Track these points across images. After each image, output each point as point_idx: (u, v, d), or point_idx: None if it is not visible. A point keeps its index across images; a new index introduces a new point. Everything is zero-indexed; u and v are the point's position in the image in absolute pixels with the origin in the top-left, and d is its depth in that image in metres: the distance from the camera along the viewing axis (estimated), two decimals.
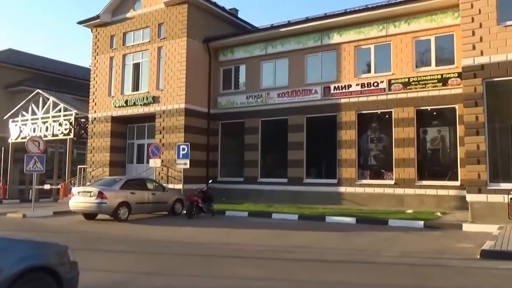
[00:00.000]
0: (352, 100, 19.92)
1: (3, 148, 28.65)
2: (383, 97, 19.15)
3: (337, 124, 20.15)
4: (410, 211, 16.62)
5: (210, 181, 20.05)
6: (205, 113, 23.54)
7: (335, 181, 19.99)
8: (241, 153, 22.96)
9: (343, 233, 12.77)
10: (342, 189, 19.73)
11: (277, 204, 19.52)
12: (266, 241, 11.65)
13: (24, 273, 4.57)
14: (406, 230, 13.25)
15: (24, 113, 29.00)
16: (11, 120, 29.52)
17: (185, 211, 17.50)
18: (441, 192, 17.42)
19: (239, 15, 27.31)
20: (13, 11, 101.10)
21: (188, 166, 20.24)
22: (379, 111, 19.43)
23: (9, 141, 29.39)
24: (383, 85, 19.16)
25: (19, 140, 28.51)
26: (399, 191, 18.32)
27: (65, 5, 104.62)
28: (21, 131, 28.78)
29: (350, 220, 15.28)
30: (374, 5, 19.57)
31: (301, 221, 15.86)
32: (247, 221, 15.85)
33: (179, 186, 20.94)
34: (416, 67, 18.74)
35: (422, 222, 13.98)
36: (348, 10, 20.37)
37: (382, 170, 19.22)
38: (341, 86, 20.24)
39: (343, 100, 20.13)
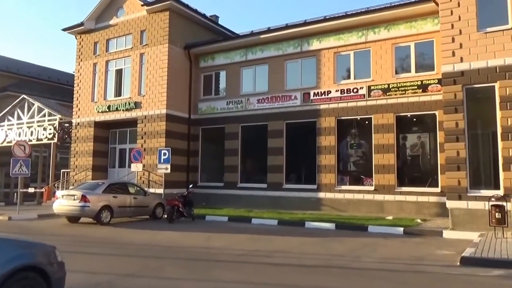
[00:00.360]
0: (331, 106, 18.79)
1: None
2: (363, 103, 18.03)
3: (317, 130, 19.01)
4: (390, 217, 15.58)
5: (190, 186, 19.05)
6: (186, 119, 22.45)
7: (314, 186, 18.82)
8: (221, 158, 21.78)
9: (322, 239, 12.03)
10: (321, 194, 18.55)
11: (256, 209, 18.47)
12: (245, 245, 11.00)
13: (14, 273, 4.54)
14: (385, 236, 12.41)
15: (10, 117, 27.82)
16: None
17: (166, 215, 16.63)
18: (421, 198, 16.32)
19: (220, 22, 26.29)
20: (1, 16, 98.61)
21: (169, 170, 19.33)
22: (358, 117, 18.30)
23: None
24: (363, 91, 18.04)
25: (4, 144, 27.37)
26: (378, 197, 17.19)
27: (51, 12, 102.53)
28: (6, 136, 27.62)
29: (330, 225, 14.30)
30: (354, 12, 18.55)
31: (280, 226, 14.97)
32: (226, 226, 15.12)
33: (160, 191, 19.85)
34: (396, 73, 17.66)
35: (402, 229, 13.04)
36: (327, 17, 19.32)
37: (362, 176, 18.07)
38: (321, 92, 19.10)
39: (322, 106, 18.99)
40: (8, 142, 26.66)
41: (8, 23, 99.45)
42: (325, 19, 19.20)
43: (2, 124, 27.96)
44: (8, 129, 27.51)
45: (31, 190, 24.77)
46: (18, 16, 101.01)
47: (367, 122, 18.05)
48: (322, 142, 18.79)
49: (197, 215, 16.91)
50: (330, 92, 18.84)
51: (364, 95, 17.99)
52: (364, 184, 17.82)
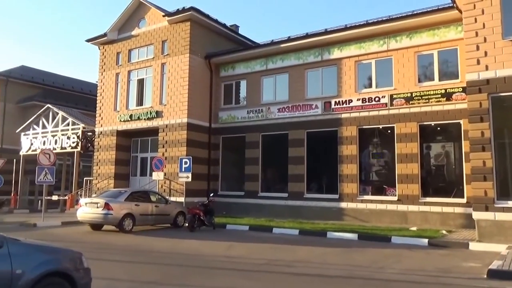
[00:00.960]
0: (353, 115, 18.56)
1: (15, 160, 27.88)
2: (385, 112, 17.75)
3: (338, 139, 18.79)
4: (413, 228, 15.20)
5: (211, 194, 18.98)
6: (206, 128, 22.48)
7: (336, 196, 18.56)
8: (241, 167, 21.68)
9: (345, 249, 11.81)
10: (343, 204, 18.27)
11: (277, 219, 18.26)
12: (266, 255, 10.92)
13: (42, 278, 4.62)
14: (409, 247, 12.10)
15: (35, 126, 28.38)
16: (22, 133, 28.90)
17: (187, 224, 16.60)
18: (446, 209, 15.89)
19: (240, 32, 26.37)
20: (26, 29, 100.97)
21: (190, 179, 19.26)
22: (380, 126, 18.01)
23: (21, 153, 28.68)
24: (385, 100, 17.77)
25: (30, 152, 27.96)
26: (402, 207, 16.83)
27: (75, 24, 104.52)
28: (32, 144, 28.17)
29: (352, 236, 14.02)
30: (375, 20, 18.28)
31: (302, 236, 14.77)
32: (247, 235, 14.96)
33: (181, 199, 19.86)
34: (419, 81, 17.34)
35: (426, 240, 12.69)
36: (348, 26, 19.06)
37: (385, 186, 17.73)
38: (342, 101, 18.90)
39: (344, 115, 18.78)
40: (33, 151, 27.26)
41: (33, 35, 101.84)
42: (346, 28, 19.01)
43: (27, 132, 28.50)
44: (33, 137, 28.01)
45: (55, 197, 25.20)
46: (43, 28, 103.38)
47: (389, 131, 17.76)
48: (344, 151, 18.56)
49: (218, 223, 16.85)
50: (352, 101, 18.64)
51: (386, 104, 17.72)
52: (387, 194, 17.49)
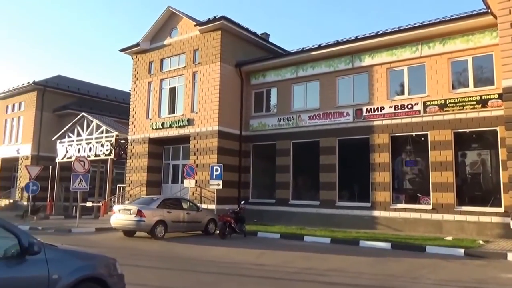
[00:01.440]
0: (385, 122, 18.33)
1: (51, 167, 28.49)
2: (418, 119, 17.46)
3: (370, 146, 18.57)
4: (449, 238, 14.81)
5: (242, 202, 18.93)
6: (237, 135, 22.57)
7: (368, 204, 18.31)
8: (272, 174, 21.66)
9: (378, 258, 11.56)
10: (376, 213, 18.01)
11: (308, 227, 18.08)
12: (298, 263, 10.74)
13: (79, 282, 4.71)
14: (445, 257, 11.74)
15: (70, 134, 29.02)
16: (58, 141, 29.58)
17: (218, 231, 16.64)
18: (483, 218, 15.45)
19: (270, 40, 26.35)
20: (63, 41, 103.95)
21: (221, 186, 19.33)
22: (414, 134, 17.71)
23: (56, 160, 29.35)
24: (418, 107, 17.49)
25: (65, 160, 28.60)
26: (437, 216, 16.46)
27: (109, 35, 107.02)
28: (67, 151, 28.83)
29: (385, 245, 13.77)
30: (407, 27, 18.03)
31: (334, 244, 14.56)
32: (279, 243, 14.85)
33: (212, 206, 19.95)
34: (453, 88, 17.00)
35: (462, 250, 12.32)
36: (379, 33, 18.86)
37: (418, 195, 17.38)
38: (374, 108, 18.70)
39: (376, 123, 18.57)
40: (68, 158, 27.87)
41: (69, 45, 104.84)
42: (377, 35, 18.82)
43: (63, 140, 29.17)
44: (69, 145, 28.64)
45: (89, 204, 25.63)
46: (78, 39, 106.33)
47: (423, 139, 17.45)
48: (376, 159, 18.33)
49: (248, 231, 16.76)
50: (384, 108, 18.42)
51: (419, 111, 17.44)
52: (421, 202, 17.15)
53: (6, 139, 35.29)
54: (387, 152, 18.13)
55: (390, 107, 18.26)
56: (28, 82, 32.76)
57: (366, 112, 18.91)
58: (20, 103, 34.54)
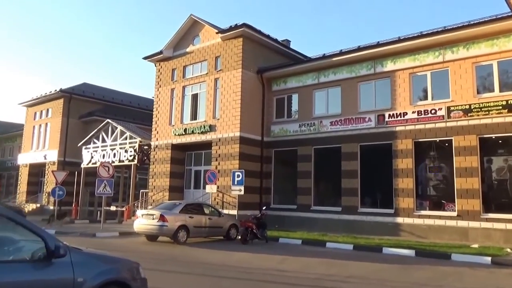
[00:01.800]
0: (408, 128, 18.07)
1: (76, 172, 28.94)
2: (442, 124, 17.15)
3: (393, 152, 18.32)
4: (475, 245, 14.46)
5: (264, 207, 18.89)
6: (259, 141, 22.55)
7: (391, 211, 18.03)
8: (294, 180, 21.54)
9: (402, 266, 11.39)
10: (399, 219, 17.72)
11: (331, 233, 17.92)
12: (320, 269, 10.69)
13: (103, 286, 4.75)
14: (471, 265, 11.46)
15: (95, 140, 29.48)
16: (84, 147, 30.06)
17: (239, 237, 16.64)
18: (511, 226, 15.03)
19: (292, 46, 26.30)
20: (89, 49, 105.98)
21: (242, 192, 19.32)
22: (437, 139, 17.39)
23: (82, 166, 29.83)
24: (442, 112, 17.18)
25: (90, 165, 29.03)
26: (462, 223, 16.09)
27: (132, 43, 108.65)
28: (92, 157, 29.28)
29: (409, 252, 13.53)
30: (429, 31, 17.77)
31: (356, 251, 14.39)
32: (300, 249, 14.78)
33: (234, 212, 19.93)
34: (478, 93, 16.66)
35: (489, 258, 12.02)
36: (402, 38, 18.67)
37: (443, 201, 17.04)
38: (396, 113, 18.46)
39: (398, 128, 18.32)
40: (93, 163, 28.31)
41: (94, 54, 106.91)
42: (399, 40, 18.61)
43: (88, 146, 29.65)
44: (94, 151, 29.11)
45: (112, 208, 25.95)
46: (103, 48, 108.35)
47: (447, 144, 17.13)
48: (399, 165, 18.06)
49: (270, 237, 16.73)
50: (406, 113, 18.16)
51: (443, 116, 17.13)
52: (445, 209, 16.80)
53: (34, 145, 36.05)
54: (410, 158, 17.85)
55: (413, 112, 18.00)
56: (55, 90, 33.46)
57: (388, 118, 18.68)
58: (47, 110, 35.30)
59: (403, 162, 17.96)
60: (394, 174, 18.16)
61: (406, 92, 18.41)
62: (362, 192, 19.24)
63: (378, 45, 19.22)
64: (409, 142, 17.96)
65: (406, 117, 18.17)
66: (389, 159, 18.40)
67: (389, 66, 19.03)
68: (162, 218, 15.20)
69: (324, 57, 21.32)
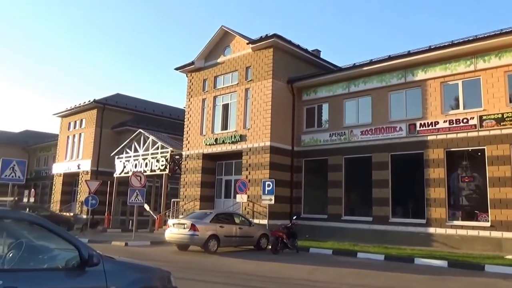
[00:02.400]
0: (439, 137, 18.08)
1: (109, 181, 29.59)
2: (474, 133, 17.13)
3: (424, 161, 18.34)
4: (509, 256, 14.30)
5: (294, 217, 19.01)
6: (289, 151, 22.84)
7: (423, 221, 18.01)
8: (324, 190, 21.71)
9: (434, 277, 11.38)
10: (431, 230, 17.69)
11: (361, 243, 17.99)
12: (351, 280, 10.73)
13: None
14: (505, 277, 11.36)
15: (127, 150, 30.15)
16: (116, 156, 30.79)
17: (270, 246, 16.82)
18: None
19: (322, 56, 26.60)
20: (122, 60, 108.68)
21: (273, 202, 19.55)
22: (470, 149, 17.37)
23: (114, 175, 30.51)
24: (474, 122, 17.18)
25: (122, 175, 29.69)
26: (496, 234, 15.97)
27: (163, 55, 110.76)
28: (124, 167, 29.91)
29: (441, 263, 13.48)
30: (461, 40, 17.81)
31: (387, 261, 14.37)
32: (331, 259, 14.81)
33: (264, 222, 20.16)
34: (510, 102, 16.58)
35: None
36: (432, 47, 18.72)
37: (476, 211, 16.96)
38: (428, 123, 18.50)
39: (430, 137, 18.35)
40: (125, 173, 28.91)
41: (127, 65, 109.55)
42: (430, 49, 18.67)
43: (121, 156, 30.34)
44: (126, 160, 29.75)
45: (146, 207, 26.29)
46: (136, 59, 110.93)
47: (479, 154, 17.07)
48: (430, 175, 18.06)
49: (301, 247, 16.79)
50: (438, 122, 18.19)
51: (475, 125, 17.12)
52: (478, 219, 16.70)
53: (68, 155, 37.08)
54: (442, 167, 17.84)
55: (444, 121, 18.02)
56: (89, 101, 34.37)
57: (419, 127, 18.73)
58: (81, 121, 36.26)
59: (435, 172, 17.96)
60: (425, 183, 18.17)
61: (437, 101, 18.45)
62: (393, 202, 19.27)
63: (409, 54, 19.32)
64: (440, 151, 17.97)
65: (437, 126, 18.19)
66: (420, 169, 18.43)
67: (420, 75, 19.11)
68: (193, 227, 15.38)
69: (354, 66, 21.50)
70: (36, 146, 46.47)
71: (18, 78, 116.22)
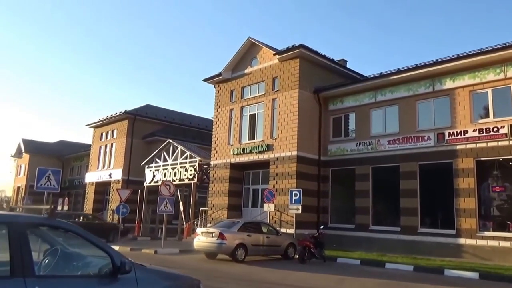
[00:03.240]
0: (469, 146, 17.68)
1: (139, 190, 29.98)
2: (505, 142, 16.67)
3: (453, 171, 17.94)
4: None
5: (321, 226, 18.90)
6: (316, 160, 22.74)
7: (453, 231, 17.58)
8: (351, 199, 21.47)
9: None
10: (461, 240, 17.24)
11: (389, 253, 17.71)
12: None
13: None
14: None
15: (157, 160, 30.59)
16: (146, 166, 31.27)
17: (297, 256, 16.74)
18: None
19: (348, 65, 26.47)
20: (152, 72, 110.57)
21: (300, 211, 19.47)
22: (501, 158, 16.90)
23: (144, 184, 30.98)
24: (504, 130, 16.74)
25: (152, 183, 30.11)
26: None
27: (192, 66, 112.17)
28: (154, 176, 30.36)
29: (472, 275, 13.15)
30: (490, 48, 17.42)
31: (416, 272, 14.12)
32: (359, 269, 14.68)
33: (291, 231, 20.11)
34: None
35: None
36: (461, 55, 18.41)
37: (508, 222, 16.45)
38: (456, 132, 18.13)
39: (459, 147, 17.97)
40: (155, 182, 29.33)
41: (158, 77, 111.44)
42: (458, 58, 18.34)
43: (150, 165, 30.85)
44: (155, 170, 30.24)
45: (174, 223, 26.63)
46: (166, 72, 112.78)
47: (511, 163, 16.63)
48: (460, 185, 17.65)
49: (328, 256, 16.68)
50: (467, 131, 17.81)
51: (506, 134, 16.66)
52: (510, 230, 16.19)
53: (100, 164, 37.86)
54: (472, 177, 17.40)
55: (474, 130, 17.63)
56: (121, 112, 35.11)
57: (448, 136, 18.37)
58: (113, 131, 37.03)
59: (464, 182, 17.55)
60: (455, 193, 17.75)
61: (466, 110, 18.07)
62: (422, 212, 18.88)
63: (437, 63, 19.02)
64: (470, 161, 17.56)
65: (467, 135, 17.81)
66: (449, 178, 18.03)
67: (448, 84, 18.77)
68: (221, 236, 15.44)
69: (381, 76, 21.32)
70: (70, 156, 47.57)
71: (63, 89, 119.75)
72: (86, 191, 39.34)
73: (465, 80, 18.26)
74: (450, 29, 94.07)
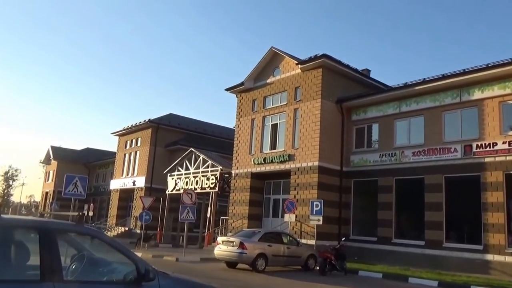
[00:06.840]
0: (498, 159, 16.84)
1: (161, 198, 29.94)
2: None
3: (481, 184, 17.09)
4: None
5: (343, 238, 18.43)
6: (338, 171, 22.17)
7: (480, 247, 16.72)
8: (374, 211, 20.75)
9: None
10: (489, 256, 16.36)
11: (413, 268, 16.93)
12: None
13: None
14: None
15: (179, 168, 30.52)
16: (168, 174, 31.26)
17: (317, 267, 16.24)
18: None
19: (372, 75, 25.86)
20: (173, 83, 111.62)
21: (321, 222, 19.06)
22: None
23: (167, 192, 30.95)
24: None
25: (174, 192, 30.06)
26: None
27: (214, 76, 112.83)
28: (176, 184, 30.30)
29: None
30: None
31: None
32: (381, 283, 14.17)
33: (312, 242, 19.60)
34: None
35: None
36: (490, 65, 17.58)
37: None
38: (485, 144, 17.30)
39: (487, 159, 17.13)
40: (177, 190, 29.28)
41: (181, 86, 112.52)
42: (487, 67, 17.52)
43: (173, 173, 30.81)
44: (178, 178, 30.17)
45: (195, 231, 26.38)
46: (189, 81, 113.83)
47: None
48: (488, 198, 16.79)
49: (349, 269, 16.15)
50: (496, 144, 16.96)
51: None
52: None
53: (124, 171, 38.14)
54: (501, 191, 16.53)
55: (503, 142, 16.78)
56: (145, 120, 35.34)
57: (476, 148, 17.56)
58: (137, 139, 37.31)
59: (493, 195, 16.68)
60: (482, 207, 16.90)
61: (495, 122, 17.25)
62: (447, 226, 18.05)
63: (465, 73, 18.25)
64: (499, 174, 16.70)
65: (496, 147, 16.96)
66: (477, 192, 17.19)
67: (477, 94, 17.99)
68: (241, 245, 15.24)
69: (406, 86, 20.64)
70: (95, 163, 48.11)
71: (89, 99, 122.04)
72: (111, 198, 39.67)
73: (495, 90, 17.45)
74: (493, 36, 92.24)
